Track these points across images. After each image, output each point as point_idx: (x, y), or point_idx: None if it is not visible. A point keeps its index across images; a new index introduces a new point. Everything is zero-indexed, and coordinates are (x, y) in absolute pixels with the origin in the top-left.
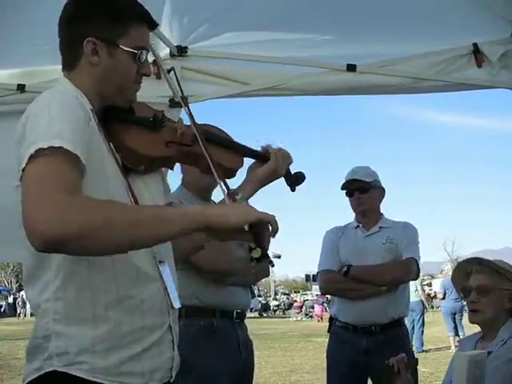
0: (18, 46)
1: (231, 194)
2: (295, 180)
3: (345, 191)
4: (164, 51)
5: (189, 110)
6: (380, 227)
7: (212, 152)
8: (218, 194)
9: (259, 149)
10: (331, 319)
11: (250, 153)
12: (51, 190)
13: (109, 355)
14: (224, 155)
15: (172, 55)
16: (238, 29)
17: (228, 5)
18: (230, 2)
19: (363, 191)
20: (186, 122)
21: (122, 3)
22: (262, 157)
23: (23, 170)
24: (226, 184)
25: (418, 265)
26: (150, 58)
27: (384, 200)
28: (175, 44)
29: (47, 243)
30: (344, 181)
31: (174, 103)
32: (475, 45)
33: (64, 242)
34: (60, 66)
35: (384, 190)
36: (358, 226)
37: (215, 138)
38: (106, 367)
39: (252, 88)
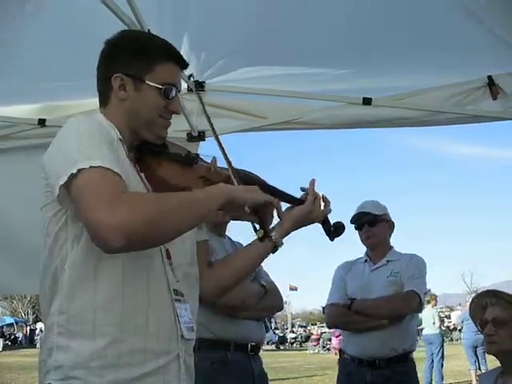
0: (39, 82)
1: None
2: (335, 230)
3: (354, 225)
4: (182, 86)
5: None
6: (387, 260)
7: None
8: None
9: (300, 192)
10: (340, 352)
11: (285, 197)
12: (109, 190)
13: (104, 373)
14: None
15: (190, 90)
16: (254, 63)
17: (244, 40)
18: (246, 38)
19: (372, 224)
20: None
21: (149, 42)
22: (297, 202)
23: (63, 185)
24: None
25: (420, 297)
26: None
27: (404, 231)
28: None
29: (124, 238)
30: (353, 214)
31: (191, 137)
32: (490, 77)
33: (137, 235)
34: (79, 101)
35: (393, 223)
36: (366, 260)
37: (249, 179)
38: None
39: (269, 122)
